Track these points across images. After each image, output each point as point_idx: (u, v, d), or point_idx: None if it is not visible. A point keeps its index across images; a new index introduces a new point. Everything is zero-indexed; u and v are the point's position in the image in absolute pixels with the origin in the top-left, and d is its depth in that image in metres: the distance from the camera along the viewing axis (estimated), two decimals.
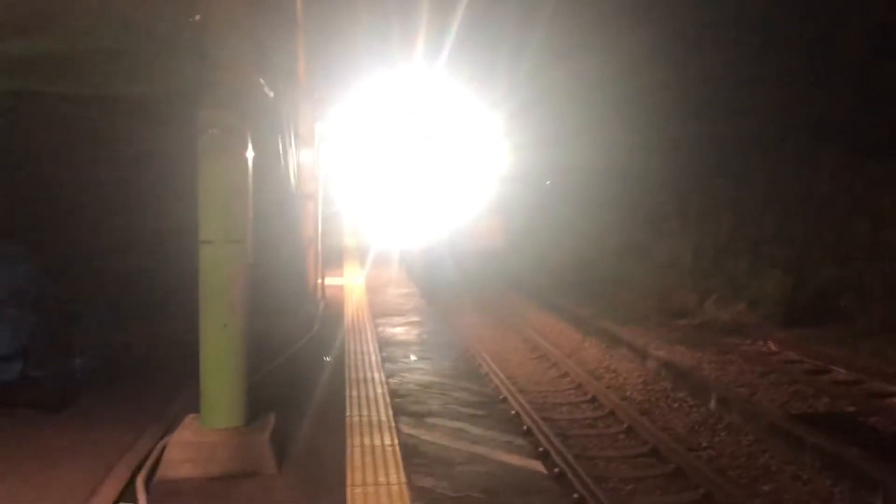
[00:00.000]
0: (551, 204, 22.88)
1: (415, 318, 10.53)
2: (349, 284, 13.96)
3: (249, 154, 4.86)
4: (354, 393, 6.43)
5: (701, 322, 16.37)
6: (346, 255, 19.62)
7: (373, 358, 7.75)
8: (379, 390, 6.52)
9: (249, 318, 4.91)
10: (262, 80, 4.60)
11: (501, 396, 10.58)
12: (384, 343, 8.61)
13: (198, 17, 3.87)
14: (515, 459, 5.08)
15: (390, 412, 5.94)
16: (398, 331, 9.53)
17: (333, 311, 10.79)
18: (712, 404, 10.67)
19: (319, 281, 12.06)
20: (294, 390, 6.54)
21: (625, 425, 9.66)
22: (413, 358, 7.86)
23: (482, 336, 14.73)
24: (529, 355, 13.72)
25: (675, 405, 10.67)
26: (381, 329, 9.57)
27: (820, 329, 15.02)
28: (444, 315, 14.70)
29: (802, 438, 8.62)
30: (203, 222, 4.75)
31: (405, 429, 5.59)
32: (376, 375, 7.00)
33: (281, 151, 6.18)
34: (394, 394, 6.50)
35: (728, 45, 17.39)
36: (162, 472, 4.61)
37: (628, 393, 11.36)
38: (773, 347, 13.99)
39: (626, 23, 17.61)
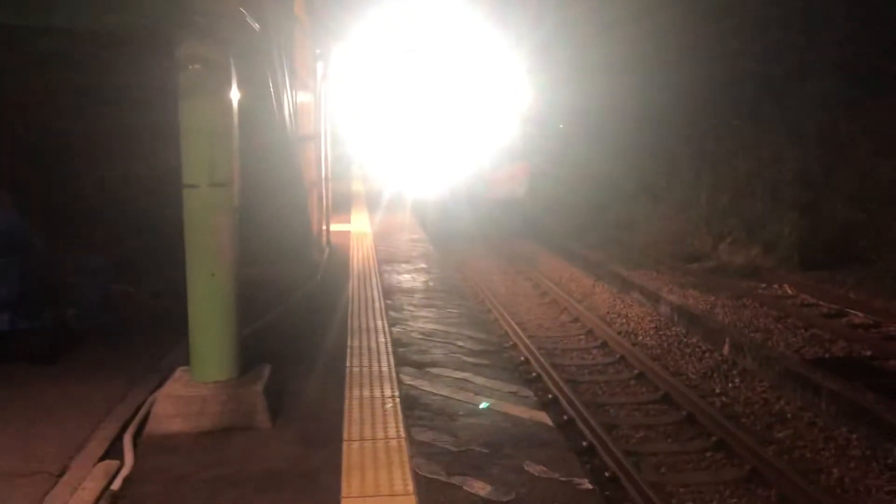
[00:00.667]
0: (567, 146, 22.34)
1: (423, 265, 10.30)
2: (357, 231, 13.71)
3: (234, 92, 4.54)
4: (356, 342, 6.23)
5: (715, 265, 16.05)
6: (356, 201, 19.33)
7: (377, 305, 7.53)
8: (381, 339, 6.31)
9: (239, 265, 4.66)
10: (243, 10, 4.25)
11: (510, 343, 10.40)
12: (389, 291, 8.39)
13: None
14: (522, 411, 4.87)
15: (392, 362, 5.74)
16: (405, 278, 9.30)
17: (339, 258, 10.57)
18: (726, 349, 10.45)
19: (325, 227, 11.82)
20: (294, 341, 6.35)
21: (636, 371, 9.47)
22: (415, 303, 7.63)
23: (492, 282, 14.47)
24: (539, 300, 13.49)
25: (688, 351, 10.46)
26: (386, 276, 9.34)
27: (837, 272, 14.70)
28: (455, 262, 14.55)
29: (818, 384, 8.40)
30: (186, 165, 4.48)
31: (407, 380, 5.38)
32: (379, 324, 6.78)
33: (273, 90, 5.85)
34: (397, 343, 6.29)
35: None
36: (151, 427, 4.44)
37: (640, 338, 11.15)
38: (790, 291, 13.71)
39: None
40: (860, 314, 11.81)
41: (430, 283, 8.86)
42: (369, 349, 6.04)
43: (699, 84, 17.73)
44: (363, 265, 10.08)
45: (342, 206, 17.92)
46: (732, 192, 17.89)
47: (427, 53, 17.52)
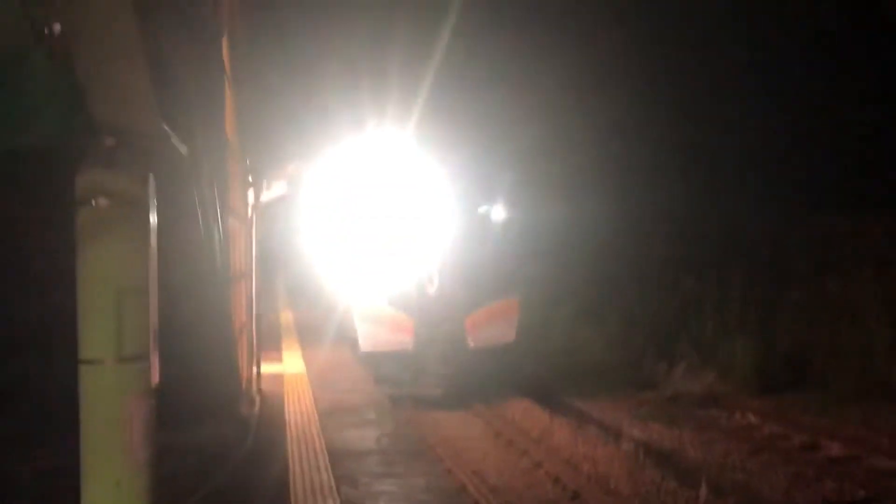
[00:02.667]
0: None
1: (372, 416, 9.03)
2: (291, 373, 12.36)
3: (153, 233, 3.44)
4: None
5: (672, 393, 15.27)
6: (287, 334, 17.97)
7: (324, 479, 6.22)
8: None
9: (154, 468, 3.41)
10: (168, 128, 3.26)
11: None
12: (337, 455, 7.08)
13: (57, 26, 2.53)
14: None
15: None
16: (353, 435, 8.01)
17: (272, 410, 9.21)
18: (710, 495, 9.44)
19: (255, 371, 10.48)
20: None
21: None
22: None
23: (439, 424, 13.16)
24: (495, 442, 12.22)
25: (669, 499, 9.34)
26: (331, 434, 8.03)
27: (797, 395, 14.15)
28: (406, 407, 12.85)
29: None
30: (84, 332, 3.29)
31: None
32: None
33: (202, 224, 4.83)
34: None
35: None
36: None
37: (613, 485, 9.99)
38: (754, 419, 12.97)
39: (590, 98, 17.05)
40: (835, 445, 11.10)
41: (384, 442, 7.59)
42: None
43: (641, 209, 17.60)
44: (302, 419, 8.74)
45: (272, 340, 16.52)
46: (680, 313, 17.44)
47: (384, 187, 14.58)
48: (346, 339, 15.55)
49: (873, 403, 13.13)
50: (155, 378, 3.46)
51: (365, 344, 13.16)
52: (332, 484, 6.16)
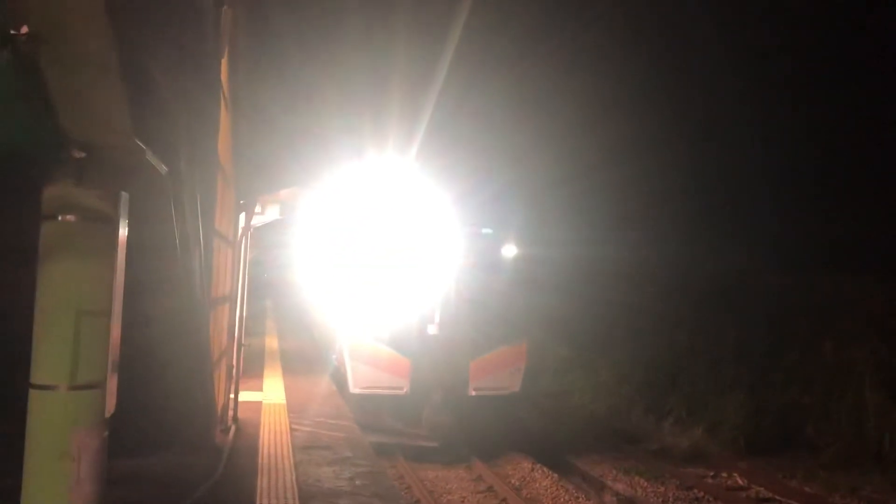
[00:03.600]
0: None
1: (348, 454, 8.73)
2: (270, 402, 12.03)
3: (121, 253, 3.25)
4: None
5: (659, 448, 14.96)
6: (270, 361, 17.63)
7: None
8: None
9: (103, 500, 3.18)
10: (141, 144, 3.08)
11: None
12: (308, 494, 6.79)
13: (24, 28, 2.37)
14: None
15: None
16: (326, 473, 7.71)
17: (246, 440, 8.90)
18: None
19: (232, 397, 10.19)
20: None
21: None
22: None
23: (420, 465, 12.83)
24: (475, 486, 11.91)
25: None
26: (304, 469, 7.73)
27: (785, 458, 13.88)
28: (384, 446, 12.13)
29: None
30: (38, 356, 3.08)
31: None
32: None
33: (180, 246, 4.63)
34: None
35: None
36: None
37: None
38: (740, 481, 12.68)
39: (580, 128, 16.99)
40: None
41: (358, 483, 7.30)
42: None
43: (638, 248, 17.44)
44: (276, 452, 8.44)
45: (255, 366, 16.20)
46: (672, 368, 17.19)
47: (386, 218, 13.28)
48: (335, 376, 14.60)
49: (863, 471, 12.87)
50: (111, 408, 3.25)
51: (356, 384, 12.22)
52: None
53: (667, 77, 17.50)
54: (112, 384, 3.25)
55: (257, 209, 13.35)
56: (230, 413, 9.93)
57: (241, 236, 9.88)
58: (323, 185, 12.16)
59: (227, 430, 9.34)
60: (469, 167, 13.96)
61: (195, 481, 6.76)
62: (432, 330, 12.77)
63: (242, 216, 9.95)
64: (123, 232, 3.28)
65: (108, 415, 3.21)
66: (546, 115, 17.52)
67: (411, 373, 12.38)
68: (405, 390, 12.36)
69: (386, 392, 12.36)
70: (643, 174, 17.46)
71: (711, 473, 13.23)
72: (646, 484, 12.17)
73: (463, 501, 11.09)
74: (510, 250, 13.95)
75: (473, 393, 12.98)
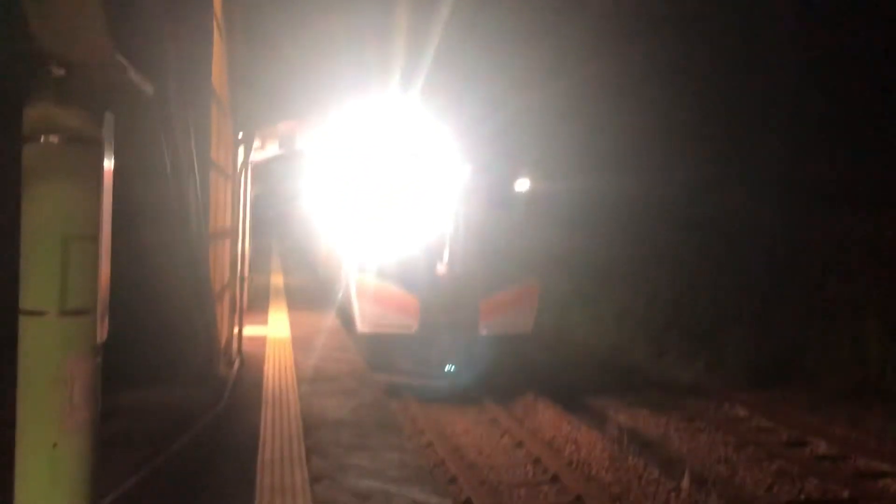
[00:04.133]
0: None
1: (352, 385, 8.78)
2: (274, 336, 12.09)
3: (108, 178, 3.15)
4: None
5: (660, 381, 15.09)
6: (276, 297, 17.72)
7: (295, 448, 5.99)
8: None
9: (96, 428, 3.16)
10: (124, 61, 2.95)
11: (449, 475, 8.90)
12: (311, 424, 6.84)
13: None
14: None
15: None
16: (330, 404, 7.76)
17: (251, 373, 8.97)
18: (692, 487, 9.28)
19: (237, 332, 10.22)
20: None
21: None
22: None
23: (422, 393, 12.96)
24: (477, 417, 12.04)
25: (651, 489, 9.16)
26: (308, 401, 7.78)
27: (788, 391, 13.97)
28: (389, 382, 12.09)
29: None
30: (25, 280, 3.02)
31: None
32: (298, 480, 5.24)
33: (173, 175, 4.52)
34: None
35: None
36: None
37: (594, 471, 9.82)
38: (742, 412, 12.78)
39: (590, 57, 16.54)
40: (823, 443, 10.94)
41: (362, 414, 7.35)
42: None
43: (640, 182, 17.22)
44: (280, 384, 8.51)
45: (260, 302, 16.29)
46: (673, 301, 17.22)
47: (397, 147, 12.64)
48: (341, 314, 14.46)
49: (863, 403, 12.96)
50: (103, 334, 3.20)
51: (363, 323, 11.90)
52: (303, 453, 5.93)
53: (677, 9, 16.97)
54: (103, 310, 3.19)
55: (256, 143, 13.20)
56: (234, 346, 9.98)
57: (241, 170, 9.74)
58: (325, 119, 11.84)
59: (231, 364, 9.40)
60: (478, 98, 13.46)
61: (198, 412, 6.81)
62: (441, 268, 12.40)
63: (241, 149, 9.80)
64: (109, 154, 3.17)
65: (100, 341, 3.16)
66: (555, 44, 17.02)
67: (420, 312, 12.09)
68: (414, 329, 12.09)
69: (394, 331, 12.07)
70: (650, 108, 17.11)
71: (713, 406, 13.32)
72: (648, 415, 12.29)
73: (467, 433, 11.22)
74: (523, 184, 13.43)
75: (484, 333, 12.67)
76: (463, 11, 12.55)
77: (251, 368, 9.33)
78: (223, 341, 9.18)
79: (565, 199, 16.44)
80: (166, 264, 5.40)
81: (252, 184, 17.84)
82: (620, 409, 12.77)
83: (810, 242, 16.01)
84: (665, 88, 17.51)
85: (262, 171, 20.12)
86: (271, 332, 12.46)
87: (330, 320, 14.19)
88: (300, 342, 11.61)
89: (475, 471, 9.42)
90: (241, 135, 9.71)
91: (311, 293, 19.00)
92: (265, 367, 9.49)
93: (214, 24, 7.06)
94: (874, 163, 16.09)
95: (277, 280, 21.36)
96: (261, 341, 11.39)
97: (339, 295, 14.07)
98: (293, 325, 13.26)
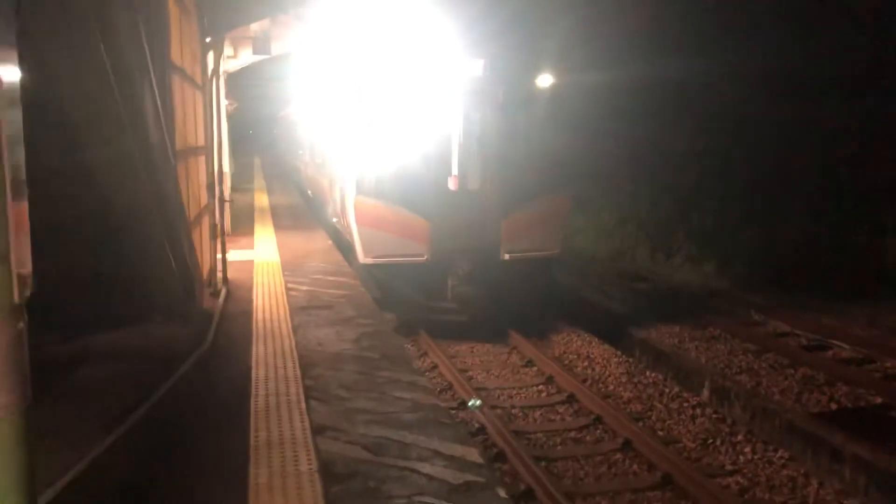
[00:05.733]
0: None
1: (350, 313, 8.06)
2: (262, 260, 11.30)
3: (12, 74, 2.26)
4: (263, 475, 4.00)
5: (668, 286, 14.51)
6: (262, 217, 16.87)
7: (292, 392, 5.29)
8: (304, 467, 4.09)
9: (27, 415, 2.37)
10: None
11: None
12: (309, 361, 6.13)
13: None
14: None
15: None
16: (327, 334, 7.05)
17: (238, 304, 8.23)
18: (717, 402, 8.80)
19: (221, 258, 9.44)
20: (163, 474, 4.04)
21: (620, 440, 7.57)
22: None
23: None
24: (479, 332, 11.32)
25: (674, 405, 8.64)
26: (303, 333, 7.06)
27: (800, 292, 13.41)
28: (391, 306, 10.97)
29: (841, 450, 6.83)
30: None
31: None
32: (298, 430, 4.55)
33: (125, 79, 3.63)
34: (328, 468, 4.10)
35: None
36: None
37: (612, 387, 9.29)
38: (756, 317, 12.26)
39: None
40: (845, 346, 10.49)
41: (364, 345, 6.65)
42: (284, 489, 3.82)
43: (640, 80, 16.14)
44: (271, 315, 7.78)
45: (245, 223, 15.45)
46: (678, 204, 16.47)
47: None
48: (338, 241, 13.00)
49: (881, 302, 12.45)
50: (24, 290, 2.37)
51: (366, 252, 10.27)
52: (302, 394, 5.24)
53: None
54: (23, 255, 2.36)
55: (229, 51, 12.06)
56: (219, 275, 9.22)
57: (212, 78, 8.72)
58: (306, 14, 10.45)
59: (216, 294, 8.67)
60: None
61: (183, 352, 6.08)
62: (453, 183, 10.58)
63: (211, 55, 8.74)
64: (13, 53, 2.27)
65: (19, 299, 2.34)
66: None
67: (431, 237, 10.48)
68: (426, 257, 10.49)
69: (403, 261, 10.45)
70: None
71: (726, 309, 12.79)
72: (659, 324, 11.73)
73: (472, 352, 10.62)
74: (545, 80, 11.48)
75: (506, 257, 10.97)
76: None
77: (239, 298, 8.59)
78: (205, 270, 8.41)
79: (569, 95, 15.05)
80: (122, 187, 4.55)
81: (228, 97, 16.67)
82: (630, 318, 12.19)
83: (818, 131, 15.15)
84: None
85: (239, 83, 18.86)
86: (258, 256, 11.67)
87: (320, 241, 13.37)
88: (290, 266, 10.84)
89: (488, 396, 8.84)
90: (208, 40, 8.63)
91: (299, 212, 18.14)
92: (254, 296, 8.75)
93: None
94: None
95: (262, 200, 20.44)
96: (248, 267, 10.62)
97: (334, 220, 12.58)
98: (282, 247, 12.46)
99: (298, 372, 5.73)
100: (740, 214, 15.44)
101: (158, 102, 4.75)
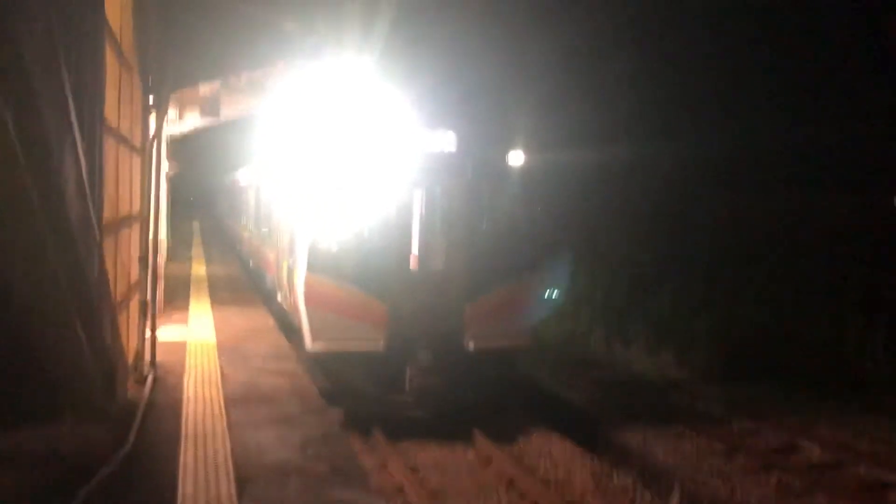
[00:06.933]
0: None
1: (294, 409, 7.16)
2: (196, 341, 10.28)
3: None
4: None
5: (627, 376, 13.95)
6: (198, 290, 15.81)
7: None
8: None
9: None
10: None
11: None
12: (248, 474, 5.21)
13: None
14: None
15: None
16: (270, 438, 6.13)
17: (167, 394, 7.25)
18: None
19: (149, 337, 8.44)
20: None
21: None
22: None
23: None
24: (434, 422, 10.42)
25: None
26: (240, 433, 6.13)
27: (763, 385, 13.03)
28: (338, 399, 9.75)
29: None
30: None
31: None
32: None
33: (20, 153, 2.90)
34: None
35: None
36: None
37: (578, 492, 8.50)
38: (719, 410, 11.74)
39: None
40: (815, 448, 9.99)
41: (311, 454, 5.77)
42: None
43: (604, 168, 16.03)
44: (203, 409, 6.83)
45: (180, 295, 14.37)
46: (633, 289, 16.11)
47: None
48: (282, 321, 11.86)
49: (845, 398, 12.14)
50: None
51: (315, 337, 9.15)
52: None
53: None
54: None
55: (174, 114, 11.31)
56: (147, 358, 8.23)
57: (153, 141, 7.94)
58: (259, 80, 9.72)
59: (142, 381, 7.67)
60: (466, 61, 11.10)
61: (98, 457, 5.12)
62: (414, 262, 9.64)
63: (153, 117, 7.99)
64: None
65: None
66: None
67: (388, 321, 9.45)
68: (381, 345, 9.43)
69: (355, 348, 9.36)
70: (610, 82, 15.94)
71: (687, 403, 12.28)
72: (621, 419, 11.08)
73: (425, 448, 9.71)
74: (517, 157, 10.38)
75: (471, 346, 9.93)
76: None
77: (168, 386, 7.60)
78: (131, 353, 7.44)
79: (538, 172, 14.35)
80: (28, 266, 3.71)
81: (170, 160, 15.81)
82: (592, 412, 11.53)
83: (775, 221, 15.18)
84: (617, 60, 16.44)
85: (183, 145, 18.00)
86: (193, 334, 10.65)
87: (261, 319, 12.40)
88: (227, 348, 9.86)
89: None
90: (152, 99, 7.89)
91: (239, 284, 17.12)
92: (185, 384, 7.77)
93: None
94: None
95: (200, 270, 19.34)
96: (180, 348, 9.60)
97: (279, 295, 11.50)
98: (219, 325, 11.46)
99: (233, 489, 4.82)
100: (696, 300, 15.17)
101: (85, 169, 3.98)
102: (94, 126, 4.39)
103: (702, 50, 15.31)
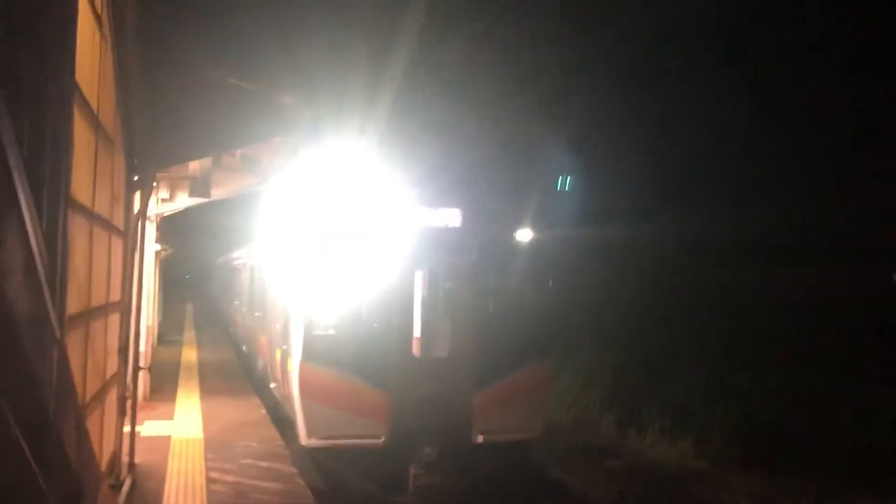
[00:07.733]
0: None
1: None
2: (181, 437, 9.49)
3: None
4: None
5: (643, 464, 13.07)
6: (187, 377, 15.00)
7: None
8: None
9: None
10: None
11: None
12: None
13: None
14: None
15: None
16: None
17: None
18: None
19: (129, 433, 7.66)
20: None
21: None
22: None
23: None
24: None
25: None
26: None
27: (788, 475, 12.16)
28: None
29: None
30: None
31: None
32: None
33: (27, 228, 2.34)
34: None
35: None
36: None
37: None
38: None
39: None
40: None
41: None
42: None
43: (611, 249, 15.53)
44: None
45: (167, 384, 13.55)
46: (647, 372, 15.35)
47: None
48: (275, 413, 11.02)
49: (877, 489, 11.28)
50: None
51: (310, 432, 8.44)
52: None
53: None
54: None
55: (164, 194, 10.83)
56: (125, 458, 7.44)
57: (137, 222, 7.39)
58: (250, 158, 9.29)
59: (119, 486, 6.88)
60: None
61: None
62: (415, 349, 8.99)
63: (138, 196, 7.45)
64: None
65: None
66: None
67: (389, 413, 8.75)
68: (382, 439, 8.70)
69: (354, 443, 8.59)
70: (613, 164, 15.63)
71: (710, 495, 11.45)
72: None
73: None
74: (525, 235, 9.70)
75: (480, 439, 9.11)
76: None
77: (146, 493, 6.81)
78: (106, 456, 6.67)
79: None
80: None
81: (161, 242, 15.26)
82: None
83: (794, 298, 14.57)
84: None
85: (176, 224, 17.50)
86: (178, 429, 9.85)
87: (253, 411, 11.59)
88: (215, 445, 9.05)
89: None
90: (137, 177, 7.37)
91: (230, 371, 16.30)
92: (166, 491, 6.97)
93: (90, 12, 4.87)
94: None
95: (191, 355, 18.52)
96: (163, 445, 8.81)
97: (272, 384, 10.70)
98: (207, 418, 10.65)
99: None
100: (714, 382, 14.42)
101: (40, 253, 3.38)
102: (57, 204, 3.81)
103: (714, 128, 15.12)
